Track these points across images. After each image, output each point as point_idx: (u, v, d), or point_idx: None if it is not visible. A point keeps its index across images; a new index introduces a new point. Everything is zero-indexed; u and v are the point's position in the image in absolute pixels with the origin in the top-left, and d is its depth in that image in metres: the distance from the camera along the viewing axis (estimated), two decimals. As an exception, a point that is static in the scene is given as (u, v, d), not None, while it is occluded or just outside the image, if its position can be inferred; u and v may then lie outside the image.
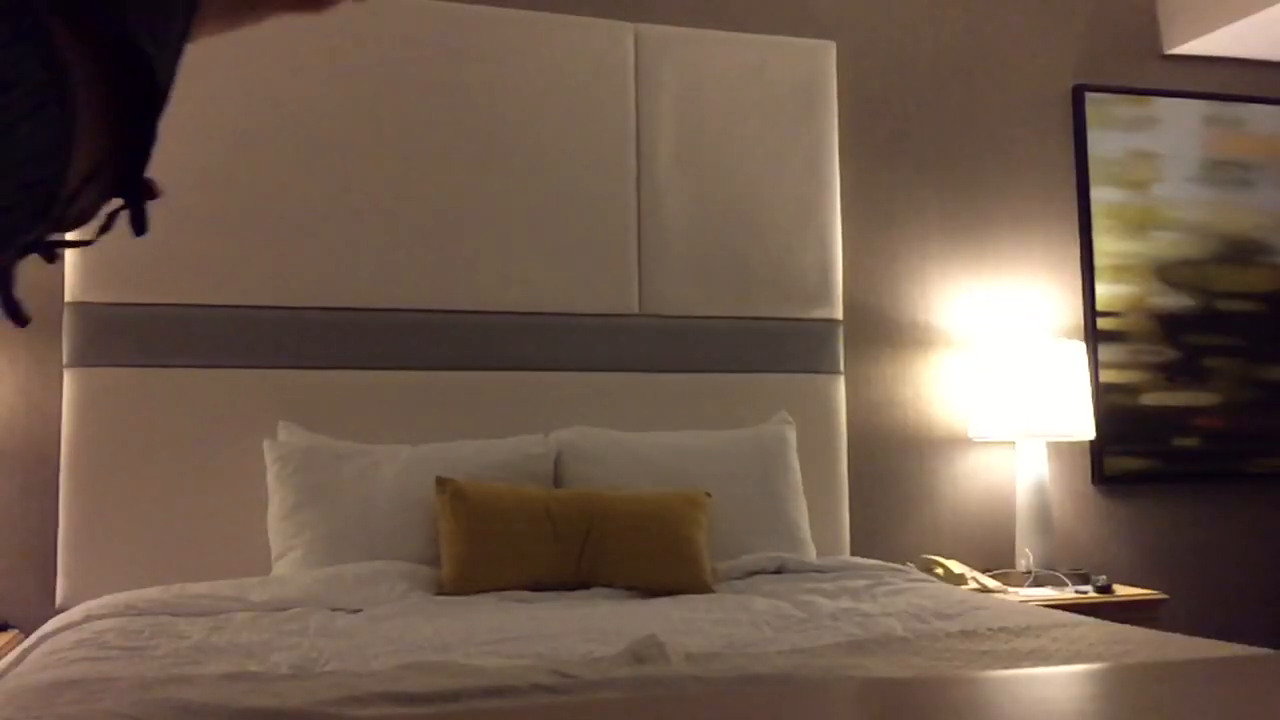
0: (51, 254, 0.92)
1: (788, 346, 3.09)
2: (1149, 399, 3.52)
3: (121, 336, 2.65)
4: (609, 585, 2.40)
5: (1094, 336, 3.48)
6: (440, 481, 2.48)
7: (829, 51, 3.23)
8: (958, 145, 3.45)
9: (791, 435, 2.93)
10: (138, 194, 0.85)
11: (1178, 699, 0.75)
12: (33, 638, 2.02)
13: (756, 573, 2.56)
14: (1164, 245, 3.58)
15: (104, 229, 0.92)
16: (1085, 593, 2.96)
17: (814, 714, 0.72)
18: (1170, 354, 3.55)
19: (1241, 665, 0.85)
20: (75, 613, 2.12)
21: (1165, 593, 3.12)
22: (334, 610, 2.15)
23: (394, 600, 2.22)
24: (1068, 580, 3.00)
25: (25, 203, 0.82)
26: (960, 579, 2.87)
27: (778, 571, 2.57)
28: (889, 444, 3.30)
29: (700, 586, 2.39)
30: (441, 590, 2.33)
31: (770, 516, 2.76)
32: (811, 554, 2.77)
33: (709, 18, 3.23)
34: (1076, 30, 3.60)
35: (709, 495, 2.59)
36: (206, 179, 2.73)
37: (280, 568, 2.50)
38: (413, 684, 1.43)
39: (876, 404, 3.30)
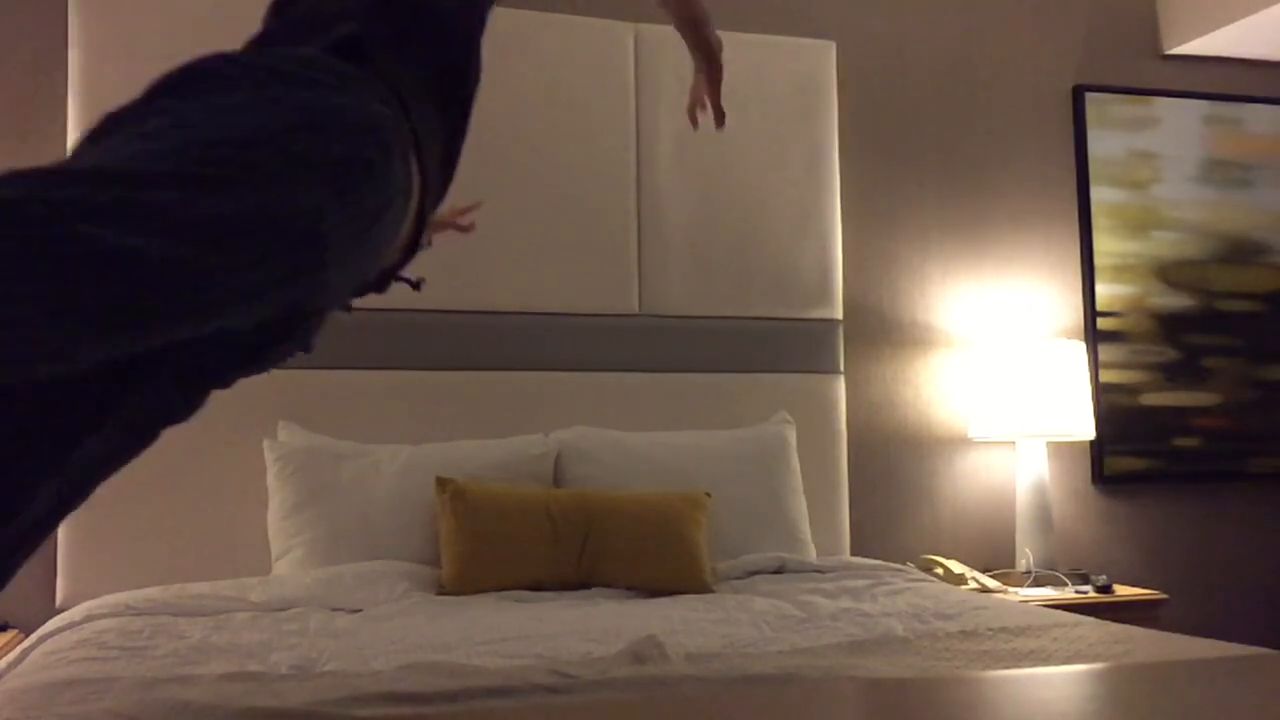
0: (350, 306, 1.32)
1: (788, 346, 3.09)
2: (1149, 399, 3.52)
3: (121, 336, 2.64)
4: (609, 585, 2.40)
5: (1094, 336, 3.48)
6: (440, 481, 2.48)
7: (829, 51, 3.23)
8: (958, 145, 3.45)
9: (791, 435, 2.93)
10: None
11: (1178, 699, 0.75)
12: (33, 637, 2.02)
13: (756, 573, 2.55)
14: (1164, 245, 3.58)
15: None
16: (1085, 593, 2.96)
17: (814, 714, 0.72)
18: (1170, 354, 3.55)
19: (1241, 665, 0.85)
20: (75, 613, 2.12)
21: (1165, 593, 3.12)
22: (334, 610, 2.15)
23: (394, 600, 2.22)
24: (1068, 580, 3.00)
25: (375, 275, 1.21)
26: (960, 579, 2.87)
27: (778, 571, 2.56)
28: (889, 444, 3.30)
29: (700, 586, 2.39)
30: (441, 590, 2.33)
31: (770, 516, 2.76)
32: (811, 554, 2.77)
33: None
34: (1076, 30, 3.60)
35: (709, 495, 2.59)
36: (206, 179, 2.73)
37: (280, 568, 2.50)
38: (413, 684, 1.43)
39: (876, 404, 3.30)
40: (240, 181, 0.86)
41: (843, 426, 3.12)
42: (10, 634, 2.51)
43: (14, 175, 0.79)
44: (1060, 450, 3.42)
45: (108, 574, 2.54)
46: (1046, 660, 1.60)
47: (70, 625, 2.01)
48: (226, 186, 0.85)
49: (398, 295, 2.86)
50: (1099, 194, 3.53)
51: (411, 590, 2.29)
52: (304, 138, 0.92)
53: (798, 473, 2.89)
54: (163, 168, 0.83)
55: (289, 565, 2.48)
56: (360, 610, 2.15)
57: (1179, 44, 3.61)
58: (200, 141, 0.87)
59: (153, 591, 2.23)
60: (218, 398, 2.89)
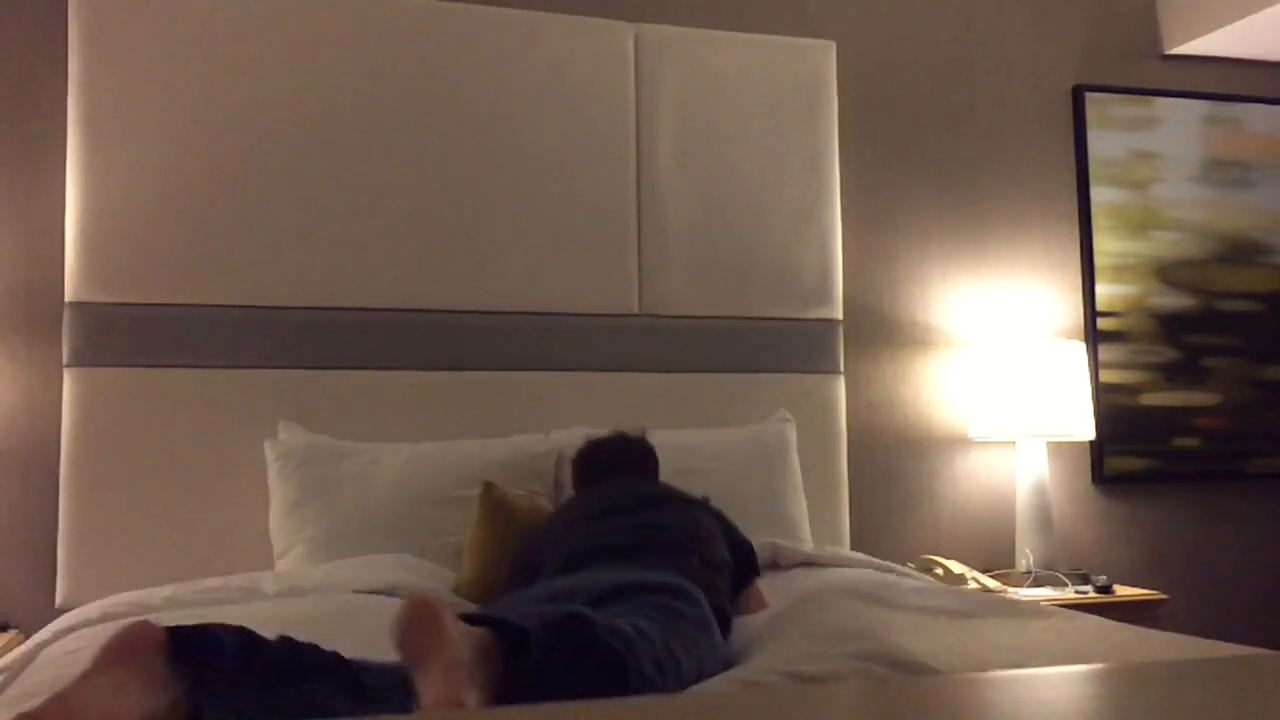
0: None
1: (788, 346, 3.09)
2: (1149, 399, 3.52)
3: (121, 336, 2.65)
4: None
5: (1094, 336, 3.48)
6: (488, 486, 2.39)
7: (829, 51, 3.23)
8: (957, 145, 3.45)
9: (791, 434, 2.93)
10: None
11: (1178, 699, 0.75)
12: (32, 642, 1.99)
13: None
14: (1164, 245, 3.58)
15: None
16: (1085, 593, 2.96)
17: (814, 714, 0.72)
18: (1170, 354, 3.55)
19: (1241, 665, 0.85)
20: (91, 609, 2.07)
21: (1165, 593, 3.12)
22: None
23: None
24: (1068, 580, 3.00)
25: None
26: (960, 579, 2.87)
27: (774, 567, 2.53)
28: (889, 444, 3.30)
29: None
30: (456, 591, 2.29)
31: (770, 515, 2.76)
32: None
33: (709, 18, 3.23)
34: (1076, 30, 3.60)
35: (706, 499, 2.58)
36: (207, 179, 2.73)
37: (283, 565, 2.50)
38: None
39: (876, 404, 3.30)
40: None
41: (843, 426, 3.12)
42: (10, 634, 2.51)
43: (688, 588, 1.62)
44: (1060, 450, 3.43)
45: (108, 574, 2.54)
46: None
47: (86, 623, 1.98)
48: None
49: (399, 295, 2.88)
50: (1099, 194, 3.53)
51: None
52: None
53: (797, 471, 2.89)
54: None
55: (291, 563, 2.48)
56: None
57: (1179, 44, 3.61)
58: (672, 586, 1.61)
59: (166, 590, 2.19)
60: (217, 398, 2.90)
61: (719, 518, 2.15)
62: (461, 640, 1.14)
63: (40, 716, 1.04)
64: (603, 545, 1.88)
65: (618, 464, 2.32)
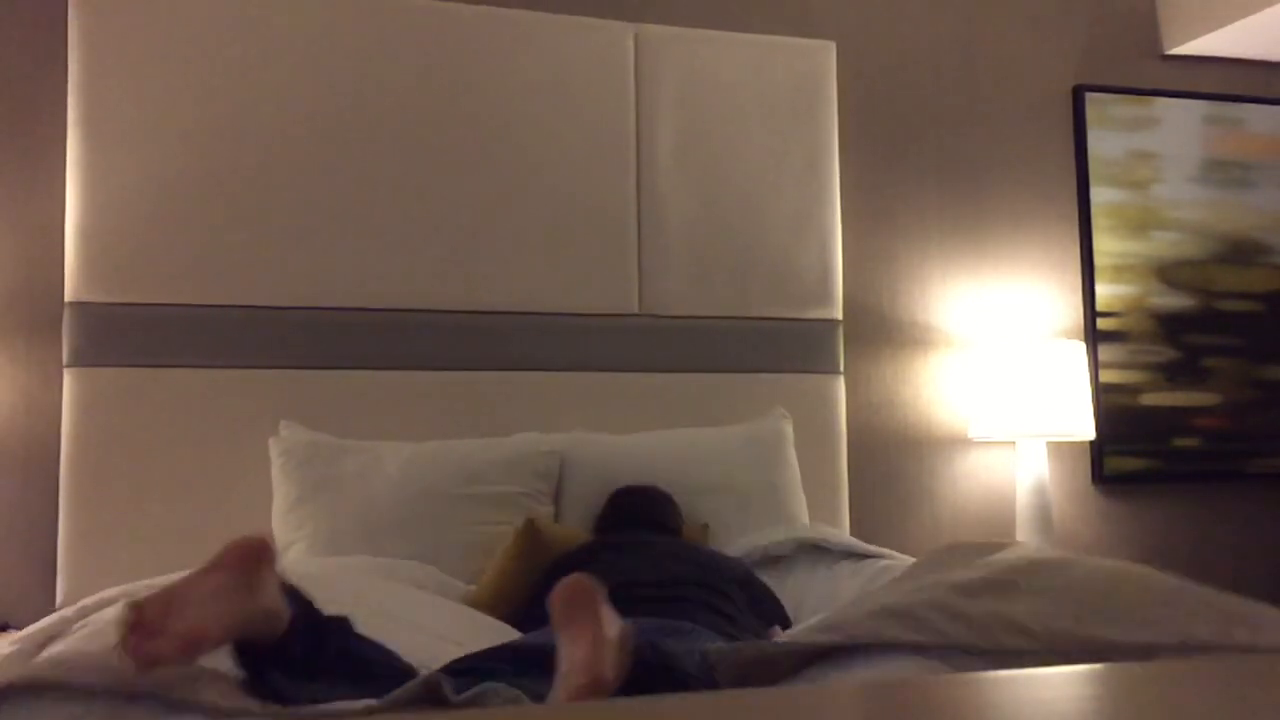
0: None
1: (787, 346, 3.09)
2: (1149, 399, 3.52)
3: (121, 336, 2.65)
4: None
5: (1094, 336, 3.48)
6: (529, 523, 2.36)
7: (829, 51, 3.23)
8: (958, 145, 3.45)
9: (789, 430, 2.93)
10: None
11: (1178, 699, 0.75)
12: (42, 624, 1.98)
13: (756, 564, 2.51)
14: (1164, 245, 3.58)
15: None
16: (1085, 593, 2.95)
17: (813, 714, 0.72)
18: (1170, 354, 3.55)
19: (1242, 665, 0.85)
20: (108, 594, 2.06)
21: (1165, 593, 3.11)
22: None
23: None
24: (1068, 580, 3.00)
25: None
26: (960, 579, 2.87)
27: (775, 560, 2.51)
28: (889, 444, 3.30)
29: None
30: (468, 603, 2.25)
31: (769, 511, 2.75)
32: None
33: (709, 18, 3.23)
34: (1076, 30, 3.60)
35: (706, 526, 2.58)
36: (206, 179, 2.73)
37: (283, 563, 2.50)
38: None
39: (876, 404, 3.30)
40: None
41: (843, 427, 3.12)
42: (10, 634, 2.50)
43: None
44: (1060, 450, 3.43)
45: (108, 574, 2.54)
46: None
47: (101, 604, 1.97)
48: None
49: (399, 295, 2.88)
50: (1099, 194, 3.53)
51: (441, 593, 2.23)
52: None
53: (796, 468, 2.89)
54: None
55: (291, 560, 2.48)
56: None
57: (1179, 44, 3.61)
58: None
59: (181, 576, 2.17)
60: (217, 398, 2.90)
61: (746, 572, 2.22)
62: (610, 624, 1.23)
63: (145, 606, 1.12)
64: (643, 597, 1.92)
65: (648, 516, 2.43)
